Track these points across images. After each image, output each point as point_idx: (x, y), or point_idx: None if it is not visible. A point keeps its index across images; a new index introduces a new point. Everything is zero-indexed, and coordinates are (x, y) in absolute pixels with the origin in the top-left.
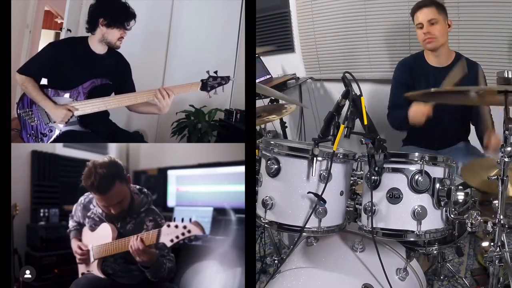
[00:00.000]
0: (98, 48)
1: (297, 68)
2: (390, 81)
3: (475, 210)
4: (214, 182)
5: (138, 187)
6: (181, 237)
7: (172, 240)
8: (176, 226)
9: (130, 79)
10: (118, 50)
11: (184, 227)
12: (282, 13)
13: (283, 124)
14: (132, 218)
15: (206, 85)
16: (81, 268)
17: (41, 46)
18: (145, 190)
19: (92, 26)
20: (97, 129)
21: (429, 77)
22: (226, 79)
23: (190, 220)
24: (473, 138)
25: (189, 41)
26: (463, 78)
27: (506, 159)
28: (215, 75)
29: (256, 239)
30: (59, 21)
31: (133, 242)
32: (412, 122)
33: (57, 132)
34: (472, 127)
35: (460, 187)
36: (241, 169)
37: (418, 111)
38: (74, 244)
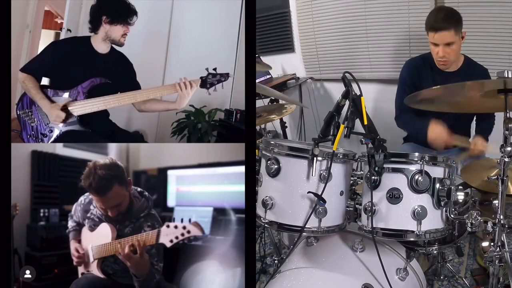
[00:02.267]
0: (101, 47)
1: (297, 68)
2: (390, 81)
3: (475, 210)
4: (214, 182)
5: (139, 189)
6: (180, 237)
7: (171, 241)
8: (176, 227)
9: (134, 79)
10: (121, 51)
11: (184, 227)
12: (282, 13)
13: (283, 124)
14: (131, 222)
15: (205, 82)
16: (81, 268)
17: (41, 46)
18: (146, 193)
19: (94, 25)
20: (97, 129)
21: (436, 81)
22: (225, 76)
23: (190, 220)
24: None
25: (189, 41)
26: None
27: (506, 159)
28: (214, 72)
29: (256, 239)
30: (59, 21)
31: (125, 248)
32: (431, 144)
33: (57, 132)
34: (472, 127)
35: (460, 187)
36: (241, 169)
37: (439, 137)
38: (72, 246)
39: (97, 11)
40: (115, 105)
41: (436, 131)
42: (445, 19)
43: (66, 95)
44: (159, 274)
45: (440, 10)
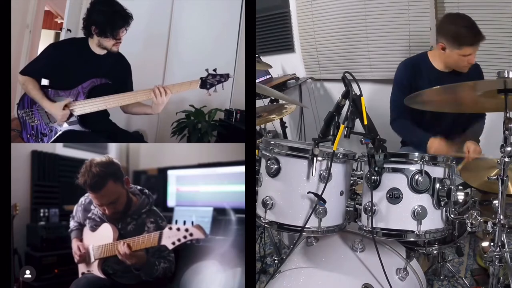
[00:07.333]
0: (98, 49)
1: (297, 68)
2: (390, 81)
3: (475, 210)
4: (214, 182)
5: (139, 187)
6: (182, 240)
7: (173, 243)
8: (178, 229)
9: (130, 80)
10: (120, 52)
11: (186, 230)
12: (282, 13)
13: (283, 124)
14: (133, 219)
15: (205, 83)
16: (81, 268)
17: (41, 46)
18: (146, 191)
19: (87, 32)
20: (97, 129)
21: (432, 80)
22: (225, 76)
23: (192, 223)
24: None
25: (189, 41)
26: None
27: (506, 159)
28: (214, 72)
29: (256, 239)
30: (59, 21)
31: (120, 248)
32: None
33: (57, 132)
34: None
35: (460, 187)
36: (241, 169)
37: (439, 152)
38: (74, 244)
39: (88, 20)
40: (115, 105)
41: (435, 146)
42: (478, 30)
43: (66, 95)
44: (168, 262)
45: (464, 20)
